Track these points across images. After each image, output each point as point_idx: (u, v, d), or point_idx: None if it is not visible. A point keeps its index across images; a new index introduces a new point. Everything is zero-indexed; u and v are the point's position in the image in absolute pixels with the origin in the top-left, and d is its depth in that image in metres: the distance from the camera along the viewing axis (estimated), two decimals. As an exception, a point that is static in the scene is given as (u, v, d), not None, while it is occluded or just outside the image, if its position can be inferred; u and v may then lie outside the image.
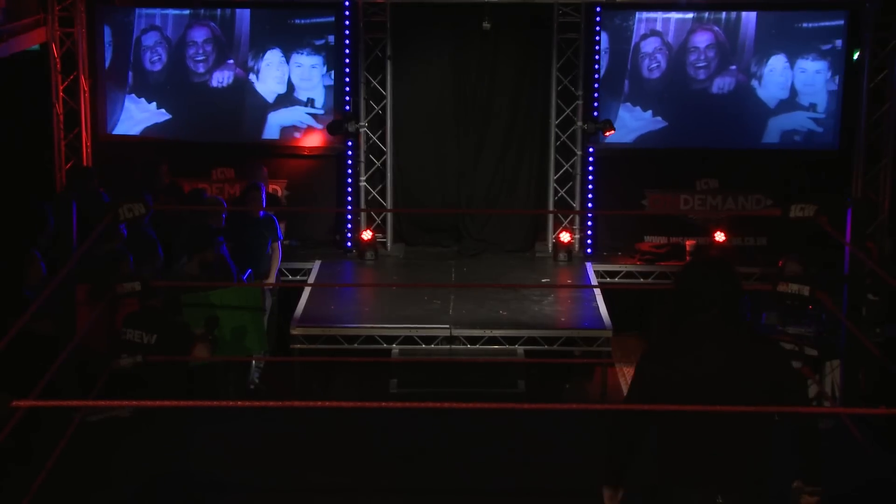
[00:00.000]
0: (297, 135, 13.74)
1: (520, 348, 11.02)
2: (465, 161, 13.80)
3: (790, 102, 13.53)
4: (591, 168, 13.66)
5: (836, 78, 13.42)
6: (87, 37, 13.28)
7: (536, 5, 13.19)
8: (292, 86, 13.63)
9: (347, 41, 13.35)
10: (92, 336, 8.68)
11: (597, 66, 13.42)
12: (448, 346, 11.07)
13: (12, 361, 8.04)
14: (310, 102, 13.66)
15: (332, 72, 13.58)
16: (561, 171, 13.71)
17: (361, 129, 13.54)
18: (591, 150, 13.61)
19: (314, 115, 13.69)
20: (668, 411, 4.94)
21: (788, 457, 5.16)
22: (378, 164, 13.72)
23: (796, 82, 13.47)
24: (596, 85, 13.48)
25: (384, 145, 13.66)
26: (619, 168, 13.69)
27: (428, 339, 11.10)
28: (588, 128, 13.42)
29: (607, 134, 13.21)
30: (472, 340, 11.08)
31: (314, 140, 13.78)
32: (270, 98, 13.65)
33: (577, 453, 7.35)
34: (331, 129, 13.34)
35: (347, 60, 13.41)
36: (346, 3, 13.22)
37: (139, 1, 13.39)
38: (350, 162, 13.64)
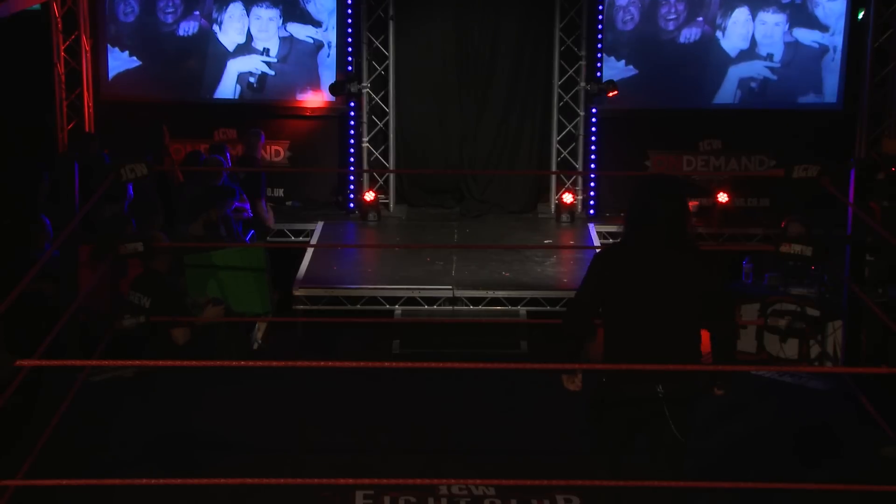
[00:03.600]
0: (251, 80, 13.94)
1: (522, 309, 11.03)
2: (468, 122, 13.78)
3: (749, 52, 13.73)
4: (593, 129, 13.62)
5: (794, 30, 13.63)
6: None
7: (539, -35, 13.16)
8: (251, 36, 13.89)
9: (350, 0, 13.33)
10: (95, 297, 8.69)
11: (600, 27, 13.38)
12: (450, 307, 11.07)
13: (17, 322, 8.09)
14: (266, 52, 13.92)
15: (288, 24, 13.82)
16: (564, 132, 13.68)
17: (364, 90, 13.51)
18: (593, 110, 13.58)
19: (268, 63, 13.89)
20: (615, 309, 5.62)
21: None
22: (380, 124, 13.70)
23: (756, 33, 13.69)
24: (599, 45, 13.44)
25: (386, 106, 13.63)
26: (621, 129, 13.65)
27: (430, 300, 11.11)
28: (591, 88, 13.38)
29: (610, 95, 13.16)
30: (475, 301, 11.09)
31: (316, 101, 13.79)
32: (231, 47, 13.94)
33: (580, 413, 7.36)
34: (333, 89, 13.32)
35: (350, 21, 13.39)
36: (349, -37, 13.22)
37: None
38: (352, 123, 13.62)
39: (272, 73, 13.89)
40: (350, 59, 13.50)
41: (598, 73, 13.45)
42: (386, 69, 13.55)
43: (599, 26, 13.38)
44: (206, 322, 8.72)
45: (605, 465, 5.92)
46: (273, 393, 8.14)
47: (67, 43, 13.15)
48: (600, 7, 13.33)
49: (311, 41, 13.81)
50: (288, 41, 13.85)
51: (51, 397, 7.48)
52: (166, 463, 7.13)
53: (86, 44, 13.23)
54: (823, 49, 13.65)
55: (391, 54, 13.47)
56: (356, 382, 8.33)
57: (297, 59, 13.86)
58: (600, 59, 13.48)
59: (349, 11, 13.40)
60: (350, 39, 13.44)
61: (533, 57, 13.66)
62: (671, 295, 5.55)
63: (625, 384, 5.62)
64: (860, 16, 13.32)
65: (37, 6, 12.90)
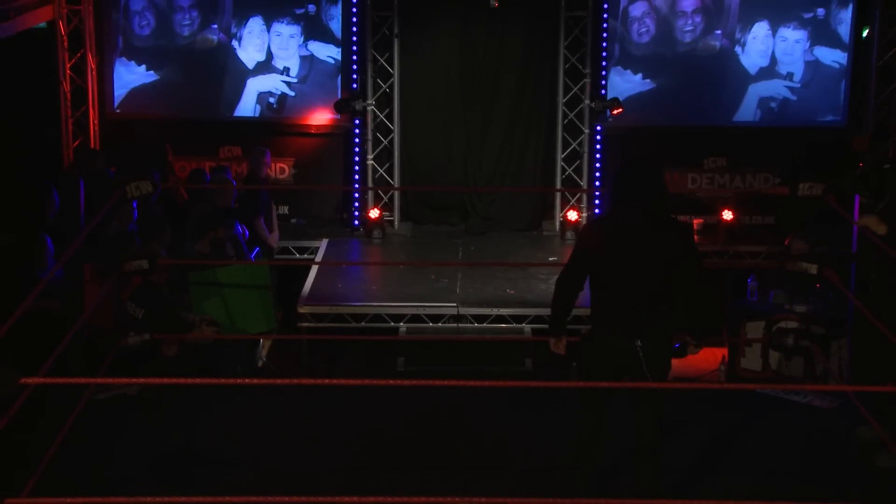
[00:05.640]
0: (271, 100, 13.86)
1: (527, 327, 11.00)
2: (473, 139, 13.78)
3: (769, 70, 13.69)
4: (598, 146, 13.62)
5: (814, 48, 13.59)
6: (95, 14, 13.27)
7: (544, -17, 13.17)
8: (271, 54, 13.81)
9: (355, 18, 13.34)
10: (100, 314, 8.68)
11: (604, 45, 13.39)
12: (455, 325, 11.05)
13: (22, 340, 8.07)
14: (286, 71, 13.84)
15: (309, 42, 13.76)
16: (568, 150, 13.67)
17: (368, 108, 13.52)
18: (598, 128, 13.58)
19: (288, 83, 13.84)
20: (601, 273, 6.36)
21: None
22: (385, 142, 13.71)
23: (776, 51, 13.64)
24: (604, 63, 13.45)
25: (391, 123, 13.64)
26: (626, 146, 13.61)
27: (435, 318, 11.09)
28: (596, 106, 13.39)
29: (615, 112, 13.17)
30: (480, 319, 11.07)
31: (321, 118, 13.80)
32: (250, 65, 13.84)
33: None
34: (338, 107, 13.33)
35: (355, 38, 13.40)
36: (354, -19, 13.23)
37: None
38: (357, 140, 13.62)
39: (292, 93, 13.85)
40: (355, 76, 13.50)
41: (603, 91, 13.45)
42: (391, 87, 13.56)
43: (604, 44, 13.39)
44: (197, 339, 8.74)
45: (590, 408, 6.61)
46: (277, 410, 8.13)
47: (73, 60, 13.18)
48: (605, 25, 13.34)
49: (332, 61, 13.75)
50: (308, 60, 13.79)
51: (55, 415, 7.47)
52: (171, 481, 7.13)
53: (91, 61, 13.26)
54: (843, 70, 13.60)
55: (396, 72, 13.48)
56: (361, 400, 8.32)
57: (317, 79, 13.80)
58: (605, 77, 13.49)
59: (354, 29, 13.39)
60: (355, 57, 13.45)
61: (537, 74, 13.67)
62: (650, 260, 6.26)
63: (608, 339, 6.39)
64: (864, 33, 13.33)
65: (43, 24, 12.94)
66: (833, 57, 13.57)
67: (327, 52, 13.77)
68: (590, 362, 6.52)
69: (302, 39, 13.76)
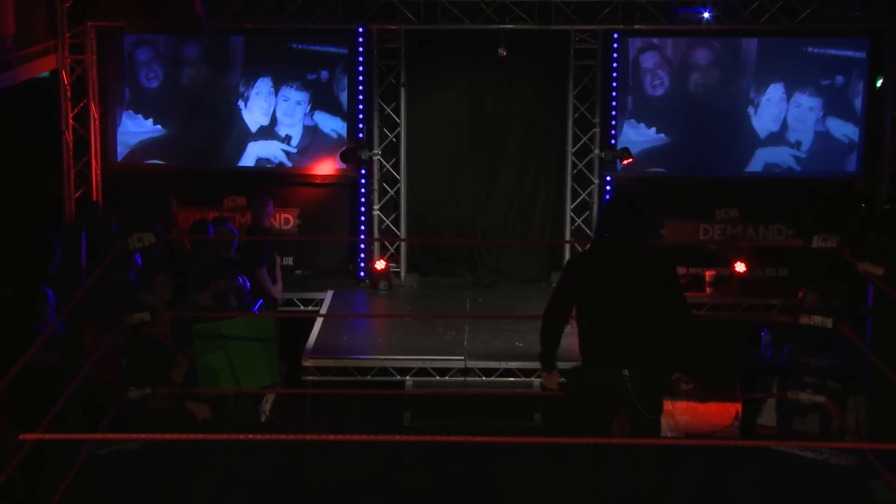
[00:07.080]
0: (269, 167, 13.77)
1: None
2: (480, 190, 13.69)
3: (779, 136, 13.56)
4: (608, 197, 13.48)
5: (827, 119, 13.44)
6: (98, 64, 13.19)
7: (552, 32, 13.07)
8: (275, 119, 13.65)
9: (361, 67, 13.26)
10: (100, 368, 8.55)
11: (614, 94, 13.29)
12: (462, 378, 10.96)
13: (21, 394, 7.95)
14: (287, 139, 13.69)
15: (315, 112, 13.63)
16: (578, 200, 13.56)
17: (375, 157, 13.43)
18: (608, 178, 13.46)
19: (287, 153, 13.70)
20: (587, 307, 6.57)
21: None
22: (392, 192, 13.60)
23: (789, 116, 13.50)
24: (613, 112, 13.35)
25: (398, 173, 13.54)
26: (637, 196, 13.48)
27: (442, 371, 10.99)
28: (605, 156, 13.29)
29: (625, 162, 13.05)
30: (487, 372, 10.96)
31: (327, 168, 13.69)
32: (254, 128, 13.70)
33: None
34: (344, 157, 13.25)
35: (361, 87, 13.31)
36: (360, 30, 13.11)
37: (150, 28, 13.23)
38: (363, 190, 13.51)
39: (289, 164, 13.73)
40: (361, 126, 13.40)
41: (613, 141, 13.35)
42: (397, 136, 13.48)
43: (614, 93, 13.30)
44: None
45: (586, 450, 6.71)
46: (282, 466, 8.01)
47: (76, 111, 13.10)
48: (614, 74, 13.25)
49: (335, 136, 13.65)
50: (311, 131, 13.66)
51: (55, 470, 7.34)
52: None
53: (94, 111, 13.17)
54: (853, 145, 13.47)
55: (402, 121, 13.41)
56: (366, 455, 8.20)
57: (317, 152, 13.68)
58: (614, 127, 13.39)
59: (360, 78, 13.31)
60: (361, 106, 13.36)
61: (546, 124, 13.59)
62: (632, 294, 6.42)
63: (596, 370, 6.54)
64: (878, 84, 13.22)
65: (46, 73, 12.89)
66: (844, 131, 13.46)
67: (332, 125, 13.66)
68: (581, 398, 6.63)
69: (308, 108, 13.64)
